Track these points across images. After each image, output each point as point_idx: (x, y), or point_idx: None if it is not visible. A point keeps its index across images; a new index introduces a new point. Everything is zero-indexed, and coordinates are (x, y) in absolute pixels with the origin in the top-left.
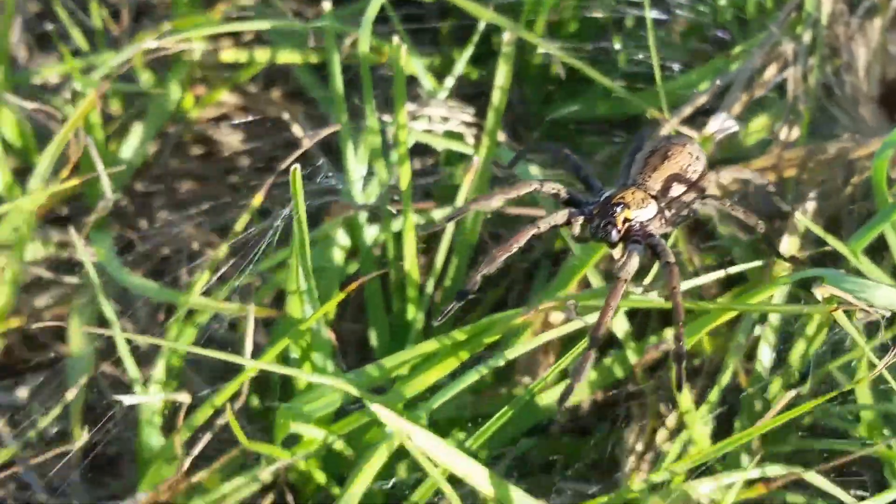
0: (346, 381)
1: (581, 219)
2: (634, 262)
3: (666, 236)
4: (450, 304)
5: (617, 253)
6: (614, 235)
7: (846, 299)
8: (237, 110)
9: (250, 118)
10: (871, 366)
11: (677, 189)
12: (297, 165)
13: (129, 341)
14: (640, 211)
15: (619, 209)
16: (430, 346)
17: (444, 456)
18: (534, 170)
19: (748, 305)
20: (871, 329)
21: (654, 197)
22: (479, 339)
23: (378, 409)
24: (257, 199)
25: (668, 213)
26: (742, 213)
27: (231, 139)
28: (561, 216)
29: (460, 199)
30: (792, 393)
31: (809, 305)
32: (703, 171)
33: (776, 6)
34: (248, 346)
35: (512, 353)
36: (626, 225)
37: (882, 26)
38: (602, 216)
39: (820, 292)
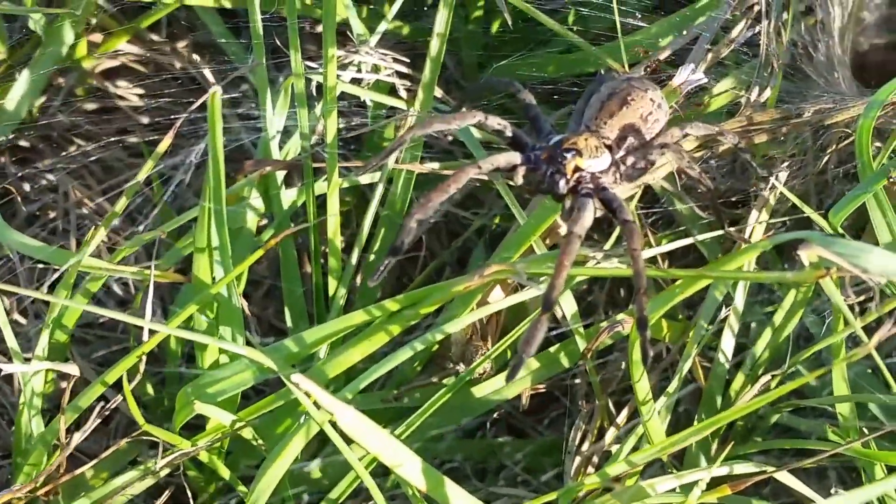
0: (265, 354)
1: (526, 165)
2: (588, 216)
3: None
4: (382, 261)
5: (566, 207)
6: (562, 186)
7: (837, 263)
8: (137, 62)
9: (152, 71)
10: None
11: (635, 139)
12: (219, 87)
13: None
14: (593, 160)
15: (569, 156)
16: (356, 317)
17: (374, 441)
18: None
19: (722, 272)
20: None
21: (608, 146)
22: (414, 310)
23: (300, 381)
24: (164, 144)
25: (623, 166)
26: (698, 173)
27: (129, 94)
28: (504, 158)
29: (391, 160)
30: (762, 381)
31: (795, 272)
32: (664, 121)
33: None
34: (148, 310)
35: (452, 327)
36: (577, 175)
37: None
38: (550, 163)
39: (806, 255)
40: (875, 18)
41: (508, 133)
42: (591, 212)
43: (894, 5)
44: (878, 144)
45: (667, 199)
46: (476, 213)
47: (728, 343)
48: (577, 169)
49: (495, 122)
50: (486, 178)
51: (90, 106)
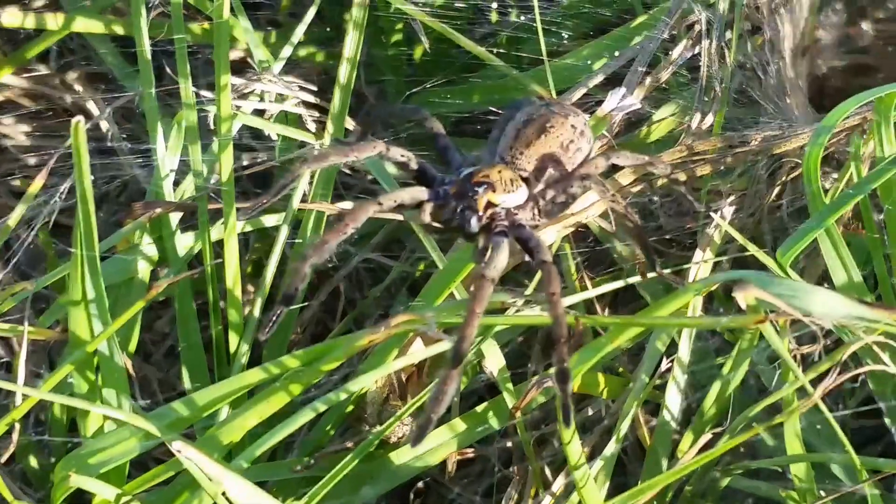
0: (146, 420)
1: (433, 202)
2: (502, 257)
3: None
4: (274, 311)
5: (479, 247)
6: (474, 223)
7: (777, 306)
8: (23, 96)
9: (40, 106)
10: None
11: (555, 171)
12: (81, 117)
13: None
14: (508, 195)
15: (480, 191)
16: (253, 376)
17: None
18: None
19: (655, 319)
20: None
21: (525, 179)
22: (315, 368)
23: (183, 450)
24: (35, 185)
25: (542, 201)
26: (623, 208)
27: (14, 131)
28: (409, 194)
29: (297, 200)
30: (704, 438)
31: (731, 316)
32: (588, 150)
33: None
34: (20, 372)
35: (357, 384)
36: (490, 211)
37: (811, 5)
38: (460, 199)
39: (743, 296)
40: (832, 38)
41: (414, 166)
42: (506, 252)
43: (852, 23)
44: (834, 175)
45: (603, 237)
46: (398, 256)
47: (673, 398)
48: (489, 205)
49: (398, 153)
50: (394, 216)
51: None
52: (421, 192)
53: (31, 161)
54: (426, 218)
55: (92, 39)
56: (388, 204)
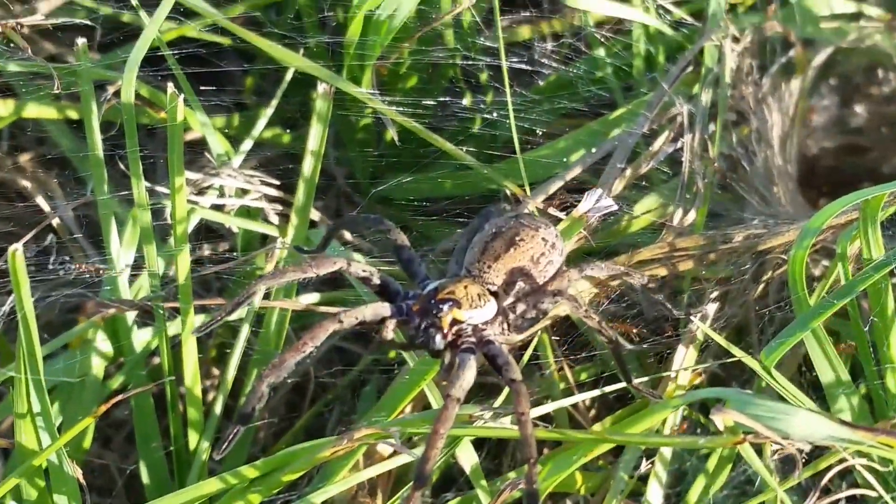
0: None
1: (396, 318)
2: (468, 376)
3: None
4: (230, 430)
5: (445, 364)
6: (439, 341)
7: (754, 429)
8: None
9: None
10: None
11: (525, 284)
12: (19, 245)
13: None
14: (475, 311)
15: (445, 308)
16: (211, 485)
17: None
18: (358, 258)
19: (630, 436)
20: (786, 466)
21: (494, 293)
22: (275, 477)
23: None
24: None
25: (511, 315)
26: (597, 323)
27: None
28: (371, 311)
29: (257, 301)
30: None
31: (708, 437)
32: (559, 263)
33: (668, 59)
34: None
35: (320, 496)
36: (456, 328)
37: (801, 89)
38: (424, 315)
39: (721, 419)
40: (824, 120)
41: (376, 280)
42: (473, 370)
43: (846, 105)
44: (825, 263)
45: (585, 330)
46: (370, 339)
47: (655, 493)
48: (455, 321)
49: (360, 268)
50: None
51: None
52: (383, 309)
53: None
54: (389, 335)
55: (47, 124)
56: (349, 321)
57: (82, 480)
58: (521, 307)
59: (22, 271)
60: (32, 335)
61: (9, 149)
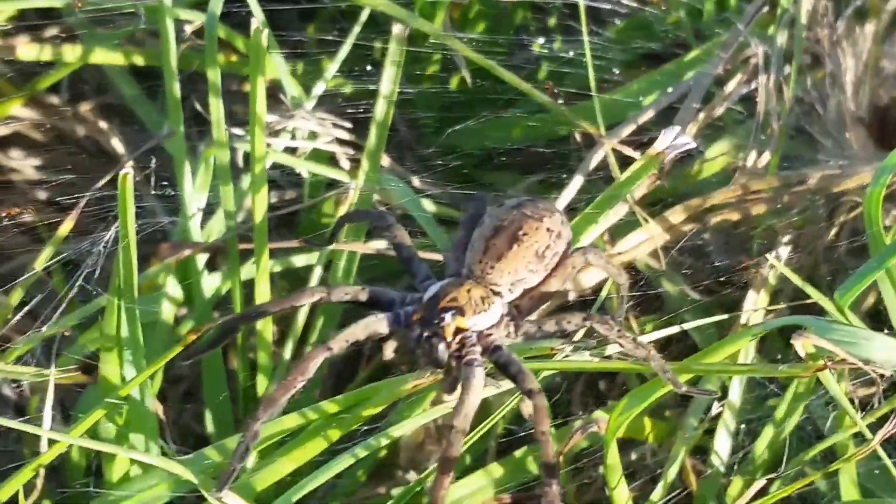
0: (184, 466)
1: (395, 331)
2: (475, 393)
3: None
4: (230, 468)
5: (449, 376)
6: (442, 352)
7: (836, 353)
8: (34, 128)
9: (50, 138)
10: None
11: (531, 279)
12: (130, 170)
13: None
14: (479, 316)
15: (448, 317)
16: (289, 421)
17: None
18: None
19: (709, 366)
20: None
21: (498, 293)
22: (356, 413)
23: (227, 497)
24: (66, 226)
25: (519, 318)
26: (630, 342)
27: (24, 165)
28: (363, 329)
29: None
30: (758, 485)
31: (789, 364)
32: (564, 251)
33: None
34: (47, 417)
35: (400, 430)
36: (460, 336)
37: (875, 34)
38: (425, 325)
39: (802, 344)
40: None
41: (363, 297)
42: (479, 389)
43: None
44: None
45: (652, 279)
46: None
47: (723, 443)
48: (458, 330)
49: (341, 293)
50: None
51: None
52: (378, 323)
53: (42, 196)
54: (389, 354)
55: (110, 72)
56: (339, 346)
57: (162, 416)
58: (528, 305)
59: (130, 195)
60: (132, 263)
61: (69, 97)
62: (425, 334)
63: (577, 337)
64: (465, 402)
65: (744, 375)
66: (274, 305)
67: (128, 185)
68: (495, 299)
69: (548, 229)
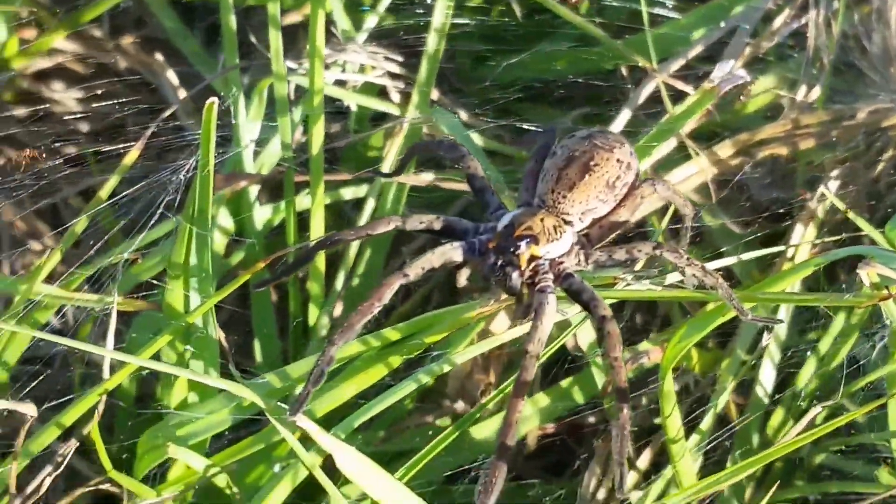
0: (252, 390)
1: (471, 259)
2: (546, 325)
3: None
4: (303, 391)
5: (522, 304)
6: (516, 279)
7: None
8: (76, 61)
9: (93, 71)
10: None
11: (601, 209)
12: (215, 98)
13: None
14: (552, 244)
15: (523, 245)
16: (351, 348)
17: (378, 487)
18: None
19: (767, 295)
20: None
21: (569, 222)
22: (417, 340)
23: (300, 421)
24: (131, 156)
25: (589, 247)
26: (700, 269)
27: (67, 98)
28: (439, 257)
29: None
30: (808, 416)
31: (853, 293)
32: (633, 181)
33: None
34: (110, 340)
35: (462, 356)
36: (533, 264)
37: None
38: (500, 253)
39: (867, 273)
40: None
41: (438, 226)
42: (552, 315)
43: None
44: None
45: (698, 214)
46: None
47: (768, 374)
48: (532, 258)
49: (416, 222)
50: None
51: (20, 112)
52: (453, 251)
53: (84, 128)
54: (462, 283)
55: (152, 4)
56: (415, 273)
57: (225, 344)
58: (598, 233)
59: (212, 124)
60: (209, 191)
61: (110, 30)
62: (500, 262)
63: (637, 267)
64: (538, 328)
65: (804, 304)
66: (351, 233)
67: (212, 115)
68: (567, 228)
69: (618, 160)
